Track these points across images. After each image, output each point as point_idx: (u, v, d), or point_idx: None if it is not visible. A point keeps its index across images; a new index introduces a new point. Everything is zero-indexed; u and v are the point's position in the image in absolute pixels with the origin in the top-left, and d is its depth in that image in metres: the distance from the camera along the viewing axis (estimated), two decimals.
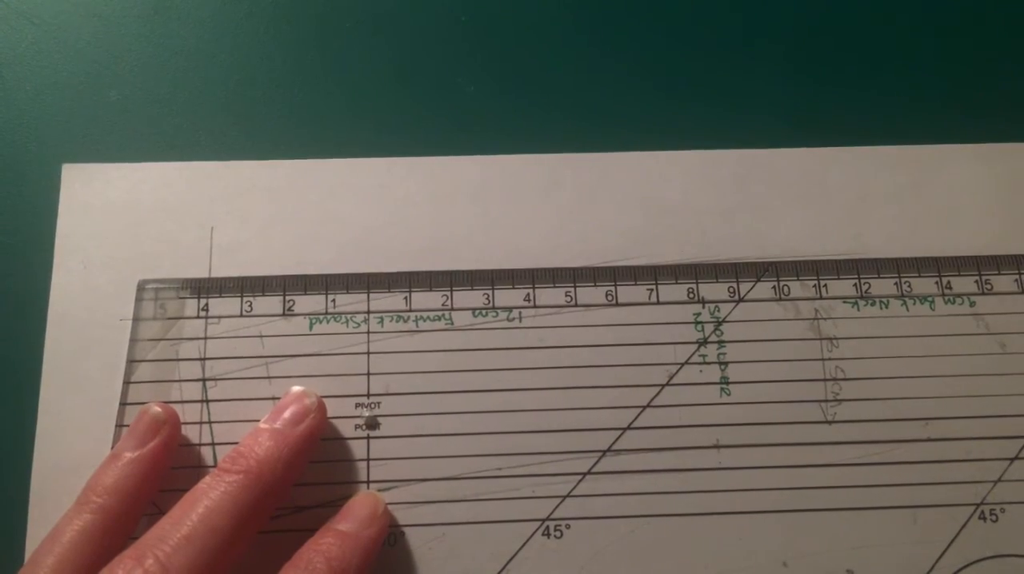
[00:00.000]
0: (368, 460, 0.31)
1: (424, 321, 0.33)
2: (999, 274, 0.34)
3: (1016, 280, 0.34)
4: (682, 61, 0.37)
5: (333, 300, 0.33)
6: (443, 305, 0.33)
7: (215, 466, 0.31)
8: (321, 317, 0.33)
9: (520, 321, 0.33)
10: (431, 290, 0.33)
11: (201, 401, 0.32)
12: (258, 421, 0.30)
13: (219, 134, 0.35)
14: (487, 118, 0.36)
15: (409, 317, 0.33)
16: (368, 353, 0.32)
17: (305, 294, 0.33)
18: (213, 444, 0.31)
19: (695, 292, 0.33)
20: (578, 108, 0.36)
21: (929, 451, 0.32)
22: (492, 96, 0.36)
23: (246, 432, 0.29)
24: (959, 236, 0.34)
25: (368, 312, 0.33)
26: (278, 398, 0.31)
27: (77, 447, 0.31)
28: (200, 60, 0.36)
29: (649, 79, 0.36)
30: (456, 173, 0.34)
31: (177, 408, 0.31)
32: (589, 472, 0.31)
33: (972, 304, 0.33)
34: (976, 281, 0.34)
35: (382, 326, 0.32)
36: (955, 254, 0.34)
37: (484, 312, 0.33)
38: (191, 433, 0.31)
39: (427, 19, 0.37)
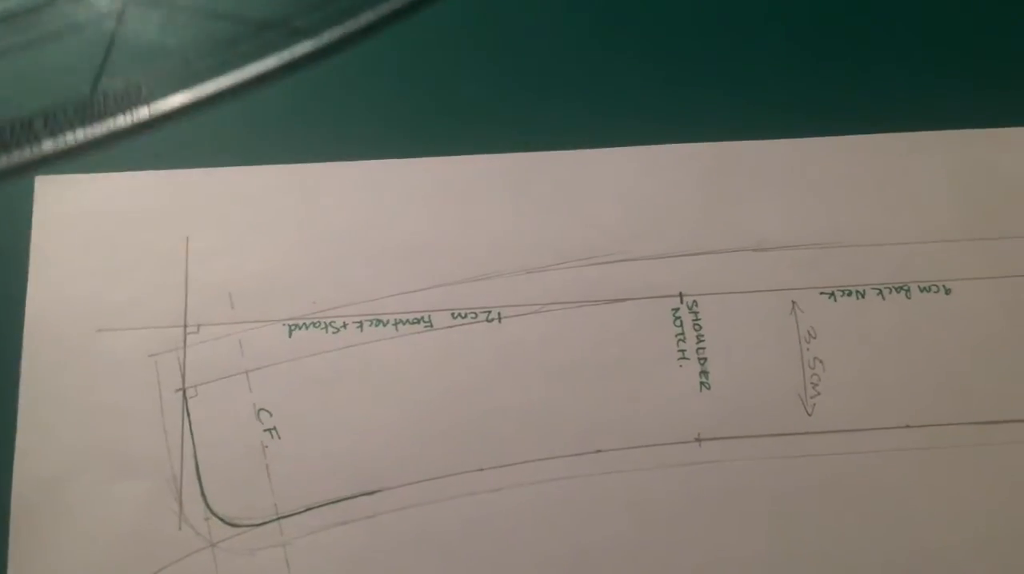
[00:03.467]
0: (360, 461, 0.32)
1: (404, 324, 0.33)
2: (973, 259, 0.34)
3: (990, 264, 0.34)
4: (658, 58, 0.36)
5: (313, 303, 0.33)
6: (422, 307, 0.33)
7: (196, 474, 0.31)
8: (300, 323, 0.32)
9: (500, 321, 0.33)
10: (411, 293, 0.33)
11: (181, 410, 0.32)
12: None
13: (198, 141, 0.35)
14: (464, 118, 0.35)
15: (388, 320, 0.33)
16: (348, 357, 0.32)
17: (284, 300, 0.33)
18: (195, 452, 0.31)
19: (673, 286, 0.33)
20: (554, 106, 0.36)
21: (911, 438, 0.32)
22: (468, 96, 0.36)
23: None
24: (933, 222, 0.34)
25: (347, 317, 0.33)
26: (260, 407, 0.31)
27: (57, 458, 0.31)
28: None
29: (625, 76, 0.36)
30: (433, 175, 0.34)
31: (156, 417, 0.31)
32: (573, 474, 0.31)
33: (948, 292, 0.33)
34: (951, 267, 0.34)
35: (361, 330, 0.32)
36: (929, 240, 0.34)
37: (463, 313, 0.33)
38: (172, 441, 0.31)
39: (419, 20, 0.37)
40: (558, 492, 0.31)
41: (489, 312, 0.33)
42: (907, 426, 0.32)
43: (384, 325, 0.33)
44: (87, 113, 0.34)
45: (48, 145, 0.34)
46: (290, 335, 0.32)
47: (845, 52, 0.37)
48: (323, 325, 0.32)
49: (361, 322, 0.32)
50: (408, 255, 0.33)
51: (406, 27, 0.37)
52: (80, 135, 0.34)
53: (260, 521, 0.31)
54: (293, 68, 0.36)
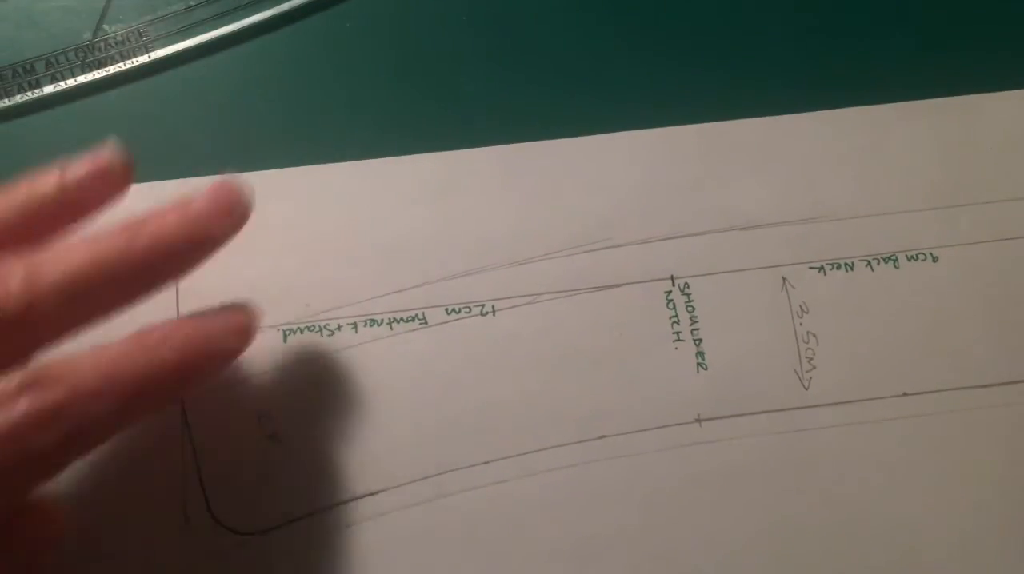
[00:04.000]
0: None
1: (398, 322, 0.33)
2: (959, 225, 0.34)
3: (976, 230, 0.34)
4: (635, 42, 0.36)
5: (306, 306, 0.33)
6: (416, 305, 0.33)
7: (199, 484, 0.31)
8: (295, 328, 0.32)
9: (494, 314, 0.33)
10: (403, 291, 0.33)
11: (180, 421, 0.31)
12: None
13: (168, 153, 0.35)
14: (443, 113, 0.35)
15: (383, 320, 0.33)
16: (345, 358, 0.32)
17: (277, 306, 0.32)
18: (196, 463, 0.31)
19: (664, 270, 0.33)
20: (534, 96, 0.36)
21: (908, 406, 0.32)
22: (445, 91, 0.36)
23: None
24: (917, 191, 0.34)
25: (341, 318, 0.33)
26: (260, 413, 0.31)
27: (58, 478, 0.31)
28: None
29: (602, 62, 0.36)
30: (418, 172, 0.34)
31: (156, 430, 0.31)
32: (578, 462, 0.32)
33: (935, 259, 0.34)
34: (937, 235, 0.34)
35: (356, 332, 0.32)
36: (915, 209, 0.34)
37: (457, 308, 0.33)
38: (173, 454, 0.31)
39: (384, 14, 0.37)
40: (564, 480, 0.31)
41: (483, 306, 0.33)
42: (904, 394, 0.32)
43: (379, 325, 0.32)
44: (88, 58, 0.34)
45: (49, 89, 0.34)
46: (285, 340, 0.32)
47: (822, 26, 0.37)
48: (318, 328, 0.32)
49: (355, 323, 0.32)
50: (398, 253, 0.33)
51: (375, 21, 0.36)
52: (81, 79, 0.35)
53: (267, 527, 0.31)
54: (293, 17, 0.36)
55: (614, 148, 0.35)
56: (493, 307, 0.33)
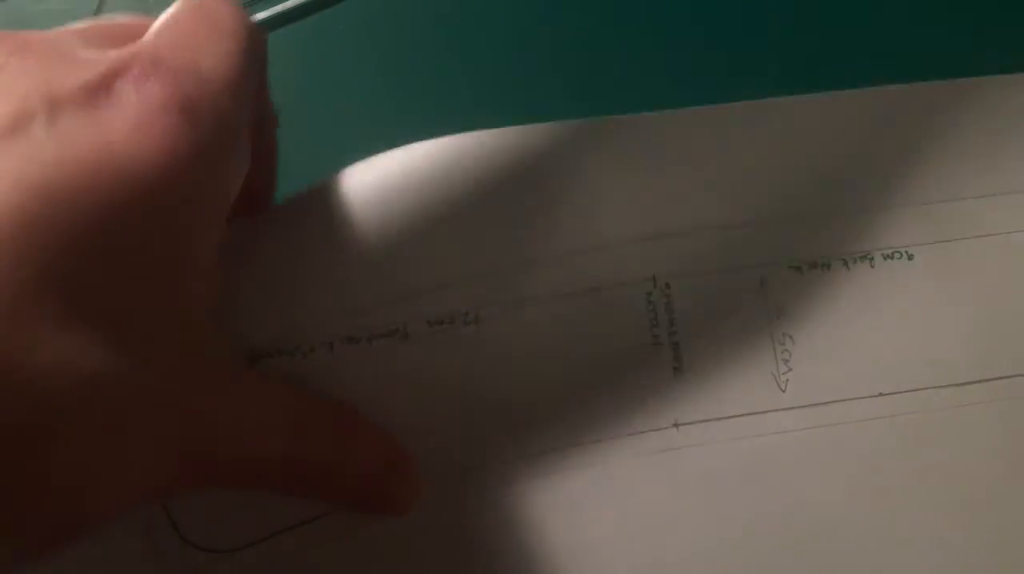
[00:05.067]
0: None
1: (377, 338, 0.31)
2: (933, 222, 0.34)
3: (951, 227, 0.34)
4: (607, 30, 0.35)
5: (278, 327, 0.31)
6: (395, 318, 0.31)
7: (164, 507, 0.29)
8: (266, 351, 0.31)
9: (477, 324, 0.31)
10: (380, 306, 0.31)
11: None
12: None
13: None
14: (412, 119, 0.34)
15: (360, 337, 0.31)
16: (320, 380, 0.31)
17: (246, 328, 0.31)
18: None
19: (646, 271, 0.32)
20: (505, 95, 0.34)
21: (884, 406, 0.32)
22: (410, 94, 0.34)
23: None
24: (892, 188, 0.34)
25: (315, 338, 0.31)
26: None
27: None
28: None
29: (575, 54, 0.35)
30: (391, 179, 0.32)
31: None
32: (552, 470, 0.31)
33: (911, 258, 0.34)
34: (911, 232, 0.34)
35: (331, 351, 0.31)
36: (890, 207, 0.34)
37: (439, 319, 0.31)
38: None
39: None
40: (540, 488, 0.31)
41: (466, 314, 0.31)
42: (880, 394, 0.33)
43: (356, 342, 0.31)
44: None
45: None
46: (255, 364, 0.30)
47: (789, 14, 0.36)
48: (289, 351, 0.31)
49: (331, 343, 0.31)
50: (374, 265, 0.31)
51: (368, 25, 0.34)
52: None
53: (240, 545, 0.30)
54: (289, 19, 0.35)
55: (591, 142, 0.33)
56: (476, 316, 0.31)
